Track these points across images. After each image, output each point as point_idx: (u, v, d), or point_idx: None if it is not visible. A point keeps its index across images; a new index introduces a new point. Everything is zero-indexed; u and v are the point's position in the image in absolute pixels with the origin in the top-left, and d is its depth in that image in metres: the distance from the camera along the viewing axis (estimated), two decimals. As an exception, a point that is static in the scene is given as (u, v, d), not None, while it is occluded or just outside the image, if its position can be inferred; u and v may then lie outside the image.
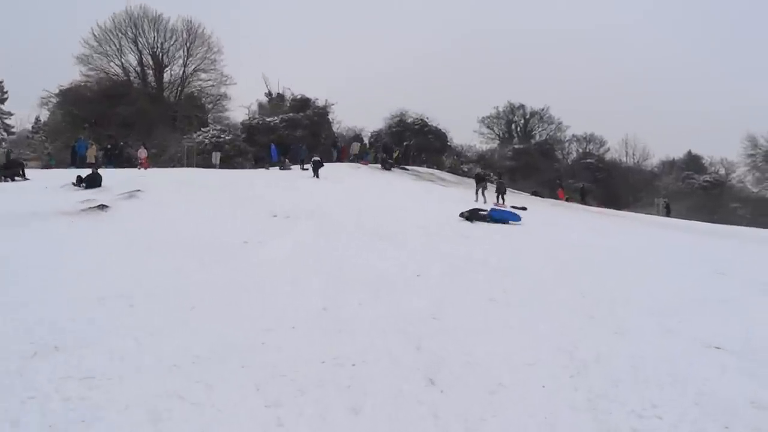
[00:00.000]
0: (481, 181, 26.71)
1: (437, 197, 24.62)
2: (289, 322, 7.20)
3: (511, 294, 9.17)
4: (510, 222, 17.56)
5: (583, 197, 41.12)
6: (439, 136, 50.90)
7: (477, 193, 25.93)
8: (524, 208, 23.62)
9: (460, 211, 17.63)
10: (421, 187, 28.50)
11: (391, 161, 37.15)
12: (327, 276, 9.63)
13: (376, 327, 7.23)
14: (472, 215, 17.35)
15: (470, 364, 6.28)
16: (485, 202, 24.76)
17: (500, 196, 26.21)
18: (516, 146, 61.71)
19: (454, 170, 46.38)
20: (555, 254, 13.00)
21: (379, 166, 38.10)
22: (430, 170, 40.88)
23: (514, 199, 27.48)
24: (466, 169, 44.69)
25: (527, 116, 74.12)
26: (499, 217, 17.65)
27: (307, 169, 29.93)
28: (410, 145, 46.25)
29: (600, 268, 11.78)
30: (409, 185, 28.80)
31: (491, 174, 35.57)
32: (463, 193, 26.32)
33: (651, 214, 38.18)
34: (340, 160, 40.34)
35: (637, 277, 11.15)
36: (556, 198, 38.88)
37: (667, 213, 40.08)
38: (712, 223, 32.83)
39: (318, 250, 11.56)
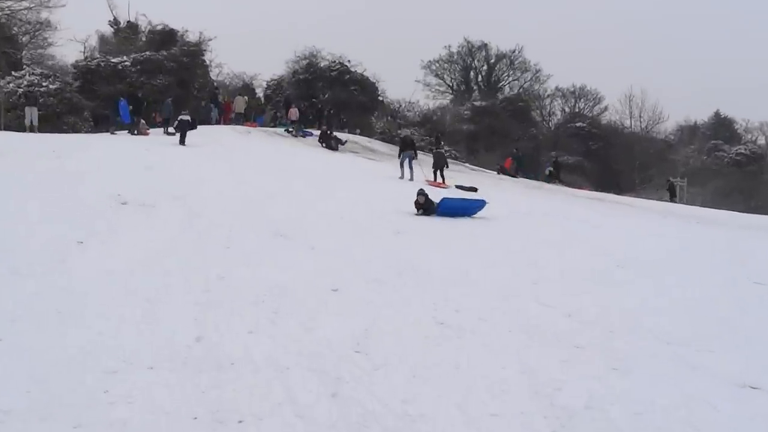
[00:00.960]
0: (408, 148, 26.67)
1: (363, 176, 24.76)
2: (144, 360, 7.06)
3: (467, 315, 9.22)
4: (469, 214, 17.64)
5: (556, 175, 41.48)
6: (367, 88, 50.82)
7: (402, 165, 26.07)
8: (474, 189, 24.03)
9: (415, 196, 17.45)
10: (340, 162, 28.50)
11: (334, 135, 35.89)
12: (201, 291, 9.49)
13: (274, 365, 7.18)
14: (429, 205, 17.23)
15: (410, 417, 6.30)
16: (411, 178, 24.92)
17: (438, 172, 26.37)
18: (476, 103, 61.74)
19: (387, 137, 46.36)
20: (528, 257, 13.27)
21: (281, 131, 37.63)
22: (354, 137, 40.90)
23: (461, 177, 27.72)
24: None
25: (492, 60, 74.82)
26: (454, 208, 17.64)
27: (173, 134, 29.40)
28: (323, 100, 45.77)
29: (591, 276, 12.09)
30: (322, 159, 28.74)
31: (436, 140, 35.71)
32: (400, 171, 26.40)
33: (664, 200, 39.17)
34: (223, 121, 39.77)
35: (642, 288, 11.48)
36: (504, 171, 38.97)
37: (672, 197, 41.09)
38: (749, 213, 33.93)
39: (187, 254, 11.40)
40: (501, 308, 9.73)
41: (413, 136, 34.51)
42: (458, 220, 16.82)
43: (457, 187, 24.85)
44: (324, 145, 34.44)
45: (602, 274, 12.36)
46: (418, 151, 27.31)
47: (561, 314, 9.62)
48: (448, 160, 29.24)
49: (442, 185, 25.17)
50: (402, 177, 25.48)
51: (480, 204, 18.01)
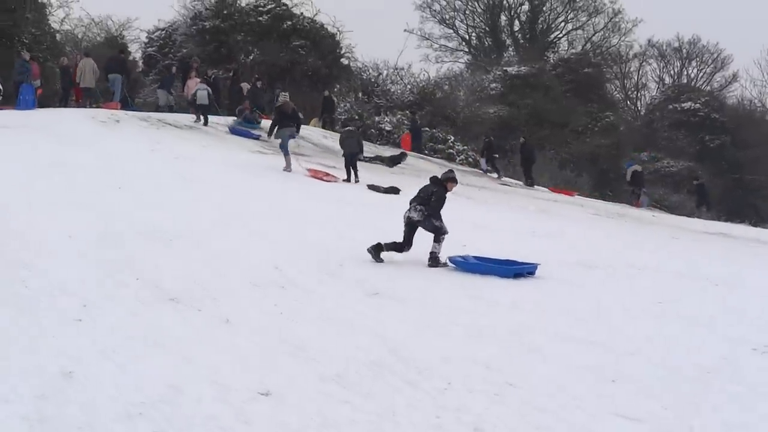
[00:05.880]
0: (286, 122, 19.56)
1: (307, 192, 17.14)
2: None
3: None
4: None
5: (636, 186, 28.05)
6: (321, 45, 34.22)
7: (283, 148, 19.44)
8: (393, 191, 17.63)
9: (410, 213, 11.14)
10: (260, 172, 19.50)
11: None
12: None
13: None
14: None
15: None
16: (288, 167, 19.14)
17: (351, 163, 19.32)
18: (510, 69, 41.08)
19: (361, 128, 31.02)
20: (596, 339, 8.10)
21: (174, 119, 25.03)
22: (320, 129, 29.41)
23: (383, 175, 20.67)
24: (388, 127, 32.76)
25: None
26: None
27: None
28: (245, 63, 31.79)
29: (714, 372, 7.23)
30: (228, 162, 19.71)
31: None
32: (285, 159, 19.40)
33: None
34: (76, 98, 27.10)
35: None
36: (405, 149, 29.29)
37: (701, 199, 30.80)
38: None
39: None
40: (551, 425, 5.83)
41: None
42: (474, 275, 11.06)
43: (370, 187, 18.18)
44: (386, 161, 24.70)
45: (730, 365, 7.41)
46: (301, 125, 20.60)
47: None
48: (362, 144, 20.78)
49: (330, 177, 18.79)
50: (288, 168, 19.17)
51: (531, 268, 11.33)
